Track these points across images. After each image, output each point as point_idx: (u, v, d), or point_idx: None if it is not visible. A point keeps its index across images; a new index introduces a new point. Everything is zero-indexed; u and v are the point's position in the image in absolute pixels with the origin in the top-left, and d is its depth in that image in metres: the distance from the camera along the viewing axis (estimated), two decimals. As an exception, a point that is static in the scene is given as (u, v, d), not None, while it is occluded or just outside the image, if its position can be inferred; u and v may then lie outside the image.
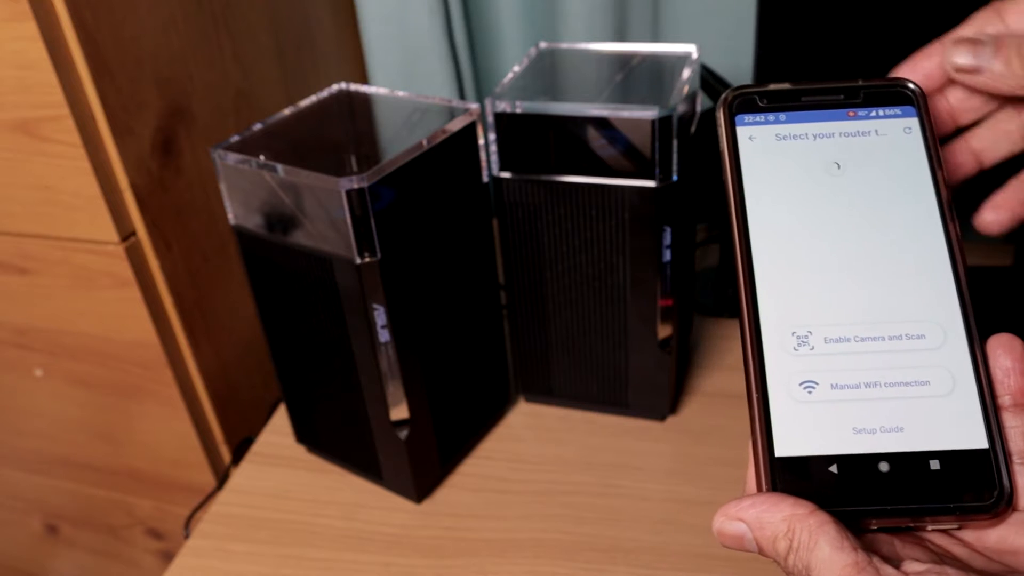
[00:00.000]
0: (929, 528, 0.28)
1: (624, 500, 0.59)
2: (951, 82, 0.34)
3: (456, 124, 0.54)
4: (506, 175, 0.57)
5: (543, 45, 0.64)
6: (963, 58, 0.33)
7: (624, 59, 0.62)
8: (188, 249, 0.67)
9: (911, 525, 0.28)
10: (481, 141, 0.57)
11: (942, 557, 0.27)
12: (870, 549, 0.27)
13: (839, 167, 0.32)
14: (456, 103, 0.56)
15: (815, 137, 0.33)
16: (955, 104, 0.35)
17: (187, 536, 0.61)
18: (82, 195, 0.59)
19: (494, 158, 0.57)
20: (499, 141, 0.57)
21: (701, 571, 0.54)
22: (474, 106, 0.55)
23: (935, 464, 0.28)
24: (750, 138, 0.33)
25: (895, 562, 0.25)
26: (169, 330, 0.66)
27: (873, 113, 0.33)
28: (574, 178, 0.56)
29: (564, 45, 0.66)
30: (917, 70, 0.34)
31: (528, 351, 0.65)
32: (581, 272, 0.59)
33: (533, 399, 0.69)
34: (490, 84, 0.95)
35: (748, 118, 0.33)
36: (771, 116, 0.33)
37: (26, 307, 0.68)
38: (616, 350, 0.62)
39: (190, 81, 0.65)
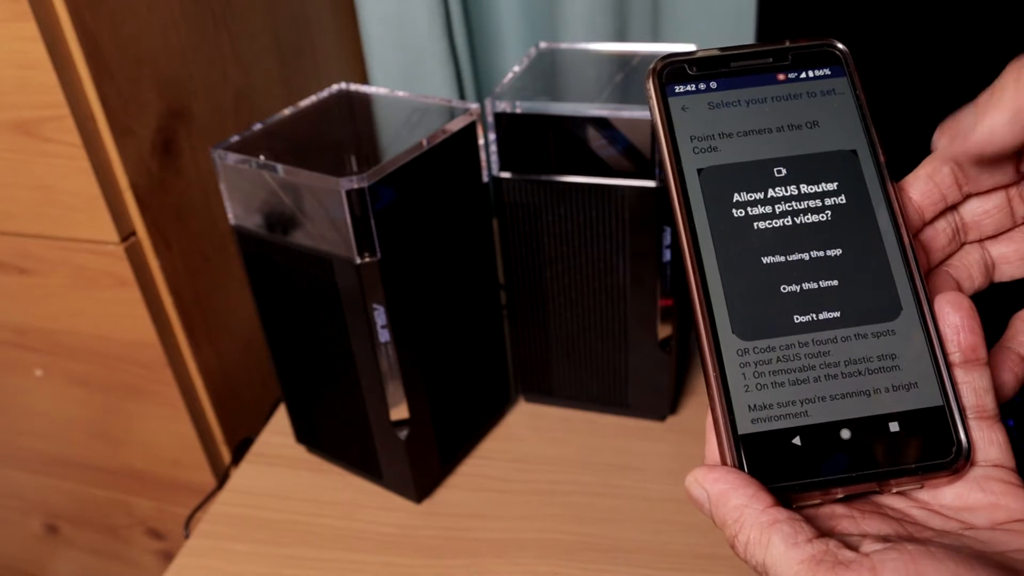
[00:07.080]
0: (894, 491, 0.28)
1: (624, 500, 0.59)
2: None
3: (456, 124, 0.54)
4: (506, 175, 0.57)
5: (543, 45, 0.64)
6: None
7: (624, 59, 0.62)
8: (188, 249, 0.67)
9: (877, 489, 0.28)
10: (481, 141, 0.57)
11: (902, 523, 0.27)
12: (830, 527, 0.27)
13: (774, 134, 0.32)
14: (456, 103, 0.56)
15: (747, 103, 0.32)
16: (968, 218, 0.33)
17: (187, 536, 0.61)
18: (82, 195, 0.59)
19: (494, 158, 0.57)
20: (499, 141, 0.57)
21: (702, 571, 0.54)
22: (474, 106, 0.55)
23: (894, 426, 0.28)
24: (683, 108, 0.32)
25: (855, 542, 0.25)
26: (169, 330, 0.66)
27: (803, 75, 0.32)
28: (574, 178, 0.56)
29: (564, 45, 0.66)
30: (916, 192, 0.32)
31: (528, 351, 0.65)
32: (581, 272, 0.59)
33: (533, 399, 0.69)
34: (490, 84, 0.95)
35: (679, 88, 0.32)
36: (702, 84, 0.32)
37: (26, 307, 0.68)
38: (616, 350, 0.62)
39: (190, 81, 0.65)
